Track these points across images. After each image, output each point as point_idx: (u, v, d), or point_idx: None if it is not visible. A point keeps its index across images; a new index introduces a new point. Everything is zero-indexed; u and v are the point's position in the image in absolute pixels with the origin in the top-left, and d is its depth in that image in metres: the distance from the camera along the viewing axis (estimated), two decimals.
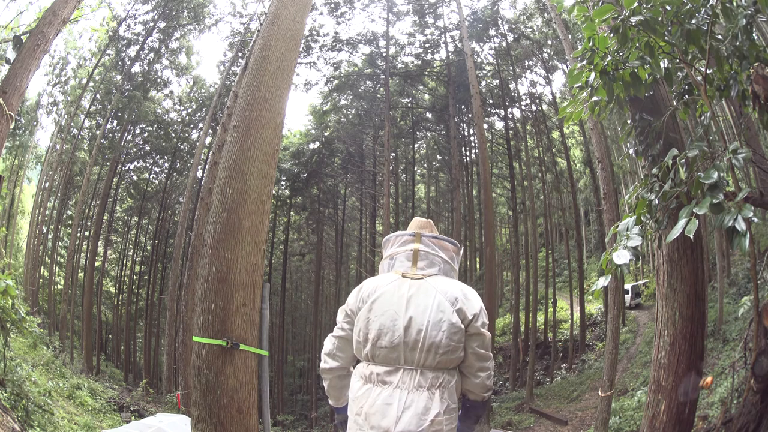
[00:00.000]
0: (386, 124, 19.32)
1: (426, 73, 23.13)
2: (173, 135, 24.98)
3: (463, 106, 22.37)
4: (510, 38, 21.52)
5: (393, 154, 23.70)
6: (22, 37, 5.89)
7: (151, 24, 21.22)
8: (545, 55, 21.07)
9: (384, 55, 21.72)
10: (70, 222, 21.98)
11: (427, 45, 22.31)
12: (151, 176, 27.18)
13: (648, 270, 25.98)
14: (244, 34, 20.33)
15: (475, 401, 1.87)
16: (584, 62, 3.10)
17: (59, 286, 22.62)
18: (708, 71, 2.88)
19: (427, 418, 1.65)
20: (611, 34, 2.88)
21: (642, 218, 2.63)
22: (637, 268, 26.20)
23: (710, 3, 2.71)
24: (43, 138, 33.33)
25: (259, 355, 3.32)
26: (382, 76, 21.74)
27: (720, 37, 2.93)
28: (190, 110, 25.30)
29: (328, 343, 1.93)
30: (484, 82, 22.08)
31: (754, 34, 2.86)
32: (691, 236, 2.09)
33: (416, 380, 1.69)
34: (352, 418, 1.75)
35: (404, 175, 27.35)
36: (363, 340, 1.77)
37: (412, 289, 1.78)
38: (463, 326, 1.73)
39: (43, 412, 7.09)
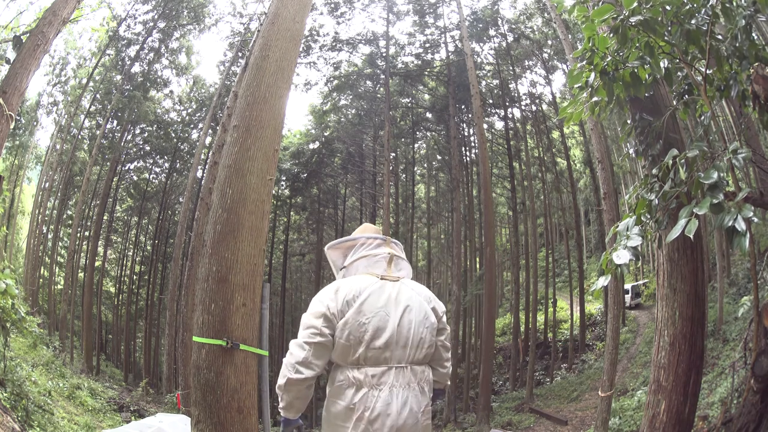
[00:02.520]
0: (386, 124, 19.32)
1: (426, 73, 23.12)
2: (173, 135, 24.97)
3: (463, 106, 22.36)
4: (510, 38, 21.51)
5: (393, 154, 23.70)
6: (22, 37, 5.89)
7: (151, 24, 21.21)
8: (545, 55, 21.06)
9: (384, 55, 21.71)
10: (70, 222, 21.98)
11: (427, 45, 22.30)
12: (151, 176, 27.18)
13: (648, 270, 25.98)
14: (244, 34, 20.32)
15: (439, 389, 2.05)
16: (584, 62, 3.10)
17: (59, 286, 22.62)
18: (708, 71, 2.88)
19: (420, 412, 1.79)
20: (611, 34, 2.88)
21: (642, 218, 2.63)
22: (637, 268, 26.20)
23: (710, 3, 2.71)
24: (43, 138, 33.31)
25: (259, 355, 3.31)
26: (382, 76, 21.74)
27: (720, 37, 2.93)
28: (190, 110, 25.29)
29: (300, 351, 1.77)
30: (484, 82, 22.07)
31: (753, 34, 2.86)
32: (691, 236, 2.10)
33: (407, 377, 1.79)
34: (349, 425, 1.73)
35: (404, 175, 27.34)
36: (355, 343, 1.75)
37: (394, 290, 1.86)
38: (435, 322, 1.91)
39: (43, 412, 7.09)
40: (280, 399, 1.83)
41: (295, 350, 1.78)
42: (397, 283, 1.89)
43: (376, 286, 1.83)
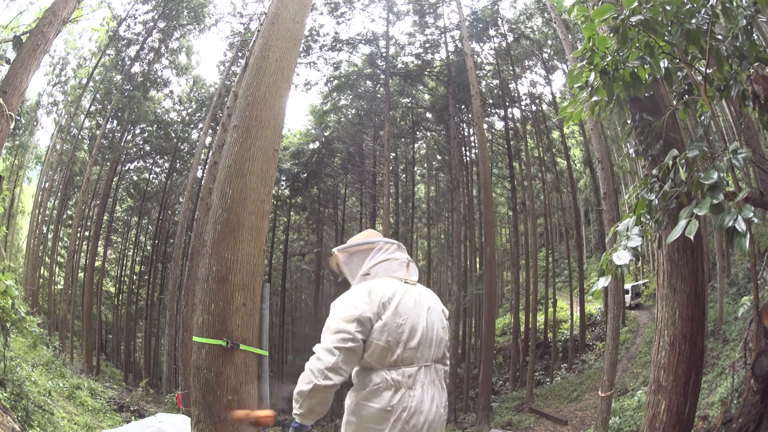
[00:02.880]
0: (386, 124, 19.32)
1: (426, 73, 23.11)
2: (173, 135, 24.96)
3: (463, 106, 22.36)
4: (510, 38, 21.51)
5: (393, 154, 23.69)
6: (22, 37, 5.89)
7: (151, 24, 21.21)
8: (545, 55, 21.06)
9: (384, 55, 21.71)
10: (70, 222, 21.98)
11: (427, 45, 22.30)
12: (151, 176, 27.17)
13: (648, 270, 25.97)
14: (244, 34, 20.32)
15: None
16: (584, 62, 3.10)
17: (59, 286, 22.61)
18: (708, 71, 2.88)
19: (442, 407, 1.89)
20: (611, 34, 2.88)
21: (642, 218, 2.63)
22: (637, 268, 26.19)
23: (710, 3, 2.71)
24: (43, 138, 33.29)
25: (259, 355, 3.31)
26: (382, 76, 21.74)
27: (720, 37, 2.93)
28: (190, 110, 25.29)
29: (329, 356, 1.72)
30: (484, 82, 22.06)
31: (754, 35, 2.86)
32: (692, 237, 2.09)
33: (432, 375, 1.87)
34: (385, 427, 1.74)
35: (404, 175, 27.33)
36: (394, 344, 1.78)
37: (416, 292, 1.93)
38: (447, 323, 2.04)
39: (43, 412, 7.09)
40: (298, 405, 1.77)
41: (324, 355, 1.72)
42: (416, 287, 1.97)
43: (403, 289, 1.88)
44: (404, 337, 1.79)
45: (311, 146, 26.98)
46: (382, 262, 1.96)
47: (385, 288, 1.85)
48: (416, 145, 27.94)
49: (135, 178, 26.91)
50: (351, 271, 2.01)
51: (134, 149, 24.87)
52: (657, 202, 2.60)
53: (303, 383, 1.73)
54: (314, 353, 1.76)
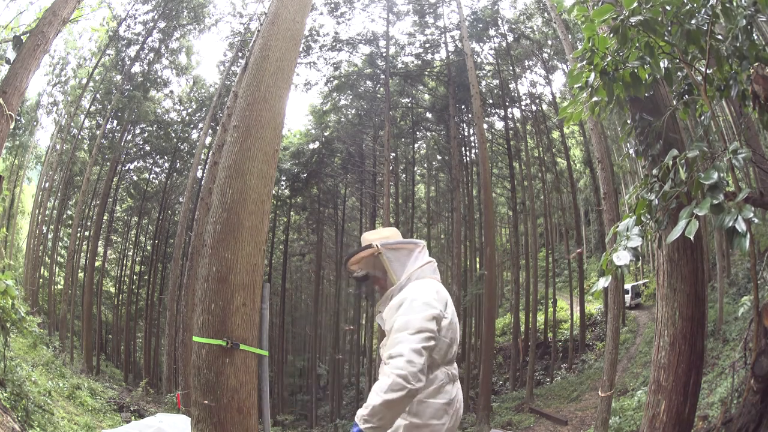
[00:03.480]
0: (386, 124, 19.31)
1: (426, 73, 23.10)
2: (173, 135, 24.97)
3: (463, 106, 22.35)
4: (510, 38, 21.50)
5: (393, 154, 23.68)
6: (22, 37, 5.88)
7: (151, 24, 21.21)
8: (545, 55, 21.06)
9: (384, 55, 21.70)
10: (70, 222, 21.98)
11: (427, 45, 22.29)
12: (151, 176, 27.17)
13: (648, 270, 25.97)
14: (244, 34, 20.32)
15: None
16: (584, 62, 3.11)
17: (59, 286, 22.60)
18: (708, 71, 2.88)
19: None
20: (611, 35, 2.88)
21: (642, 218, 2.63)
22: (637, 268, 26.18)
23: (710, 3, 2.71)
24: (43, 138, 33.21)
25: (259, 355, 3.31)
26: (382, 76, 21.73)
27: (720, 37, 2.93)
28: (190, 110, 25.28)
29: (419, 357, 1.60)
30: (484, 82, 22.05)
31: (754, 35, 2.86)
32: (691, 237, 2.09)
33: (456, 370, 1.97)
34: (446, 420, 1.82)
35: (404, 175, 27.32)
36: (453, 341, 1.91)
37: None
38: None
39: (43, 412, 7.09)
40: (378, 417, 1.56)
41: (415, 357, 1.58)
42: None
43: (447, 291, 2.01)
44: (456, 334, 1.92)
45: (311, 146, 26.96)
46: (428, 263, 2.02)
47: (440, 287, 1.95)
48: (416, 145, 27.94)
49: (135, 178, 26.91)
50: (395, 268, 1.96)
51: (134, 149, 24.87)
52: (657, 202, 2.60)
53: (393, 391, 1.54)
54: (401, 356, 1.60)
